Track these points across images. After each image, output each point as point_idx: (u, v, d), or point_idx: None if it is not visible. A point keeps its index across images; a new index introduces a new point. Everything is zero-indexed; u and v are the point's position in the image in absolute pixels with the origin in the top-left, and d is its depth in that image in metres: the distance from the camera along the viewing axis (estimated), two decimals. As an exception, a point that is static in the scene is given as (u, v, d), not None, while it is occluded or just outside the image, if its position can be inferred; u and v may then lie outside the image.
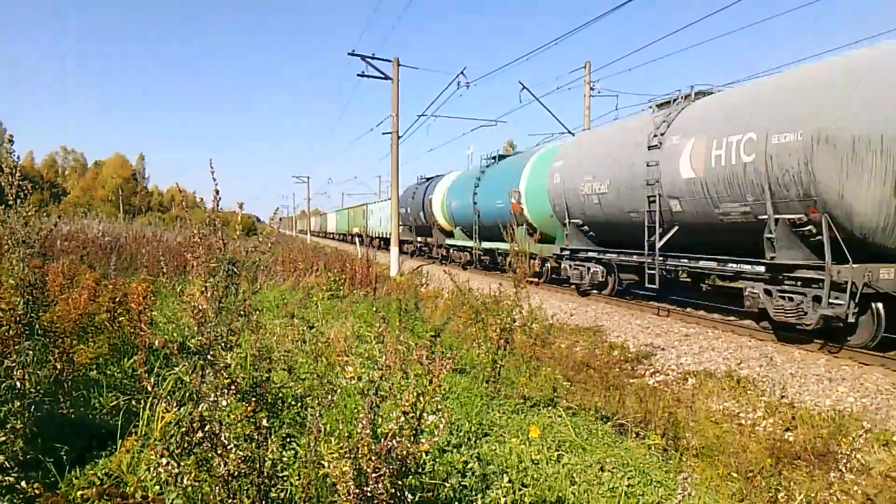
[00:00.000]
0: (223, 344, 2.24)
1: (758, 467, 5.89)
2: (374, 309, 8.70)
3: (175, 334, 6.25)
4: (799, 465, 6.01)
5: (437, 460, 3.68)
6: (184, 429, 2.38)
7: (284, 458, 2.81)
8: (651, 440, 5.62)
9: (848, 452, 5.83)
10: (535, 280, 18.38)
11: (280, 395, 2.37)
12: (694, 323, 12.53)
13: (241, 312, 2.32)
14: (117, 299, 5.14)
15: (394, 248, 23.15)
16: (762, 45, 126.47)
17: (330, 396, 2.72)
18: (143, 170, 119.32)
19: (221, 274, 2.23)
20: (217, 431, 2.40)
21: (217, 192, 2.33)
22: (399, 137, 23.30)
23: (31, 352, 3.16)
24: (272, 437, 2.54)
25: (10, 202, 3.08)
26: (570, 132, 24.71)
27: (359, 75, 22.68)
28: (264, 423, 2.33)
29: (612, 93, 25.13)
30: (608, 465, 4.32)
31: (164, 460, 2.35)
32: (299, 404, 2.43)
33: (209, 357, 2.24)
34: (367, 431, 2.13)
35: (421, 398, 2.31)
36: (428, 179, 31.01)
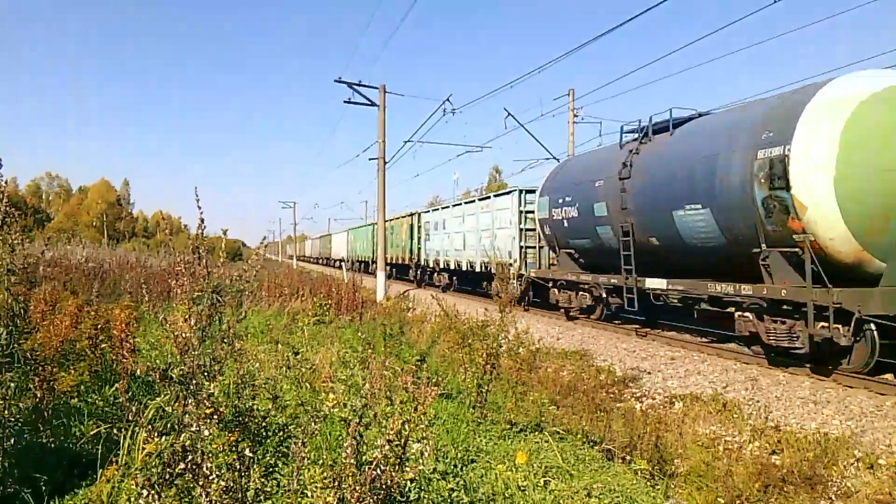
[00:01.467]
0: (206, 373, 2.23)
1: (745, 492, 5.89)
2: (360, 334, 8.66)
3: (158, 361, 6.18)
4: (786, 488, 6.01)
5: (423, 488, 3.65)
6: (165, 459, 2.35)
7: (267, 488, 2.78)
8: (638, 465, 5.60)
9: (838, 480, 5.86)
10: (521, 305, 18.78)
11: (264, 423, 2.35)
12: (680, 346, 12.57)
13: (226, 340, 2.31)
14: (99, 325, 5.09)
15: (380, 273, 23.12)
16: (750, 69, 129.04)
17: (314, 424, 2.70)
18: (128, 195, 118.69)
19: (205, 302, 2.22)
20: (199, 462, 2.38)
21: (202, 220, 2.34)
22: (385, 163, 23.42)
23: (12, 383, 3.12)
24: (255, 466, 2.52)
25: (-3, 228, 3.05)
26: (555, 158, 24.95)
27: (345, 102, 22.86)
28: (247, 452, 2.31)
29: (595, 119, 25.58)
30: (595, 491, 4.30)
31: (144, 491, 2.32)
32: (282, 433, 2.41)
33: (192, 386, 2.23)
34: (351, 460, 2.12)
35: (406, 426, 2.30)
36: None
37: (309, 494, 2.35)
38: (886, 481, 5.71)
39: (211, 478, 2.38)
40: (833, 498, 5.73)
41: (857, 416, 7.55)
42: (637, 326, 14.90)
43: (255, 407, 2.34)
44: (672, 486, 5.27)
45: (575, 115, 25.23)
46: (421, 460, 2.43)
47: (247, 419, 2.31)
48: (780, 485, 6.04)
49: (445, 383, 7.21)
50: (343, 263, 42.93)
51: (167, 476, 2.35)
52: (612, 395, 9.49)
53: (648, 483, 5.18)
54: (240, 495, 2.48)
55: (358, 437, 2.52)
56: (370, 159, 24.79)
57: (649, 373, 10.47)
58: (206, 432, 2.38)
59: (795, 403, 8.29)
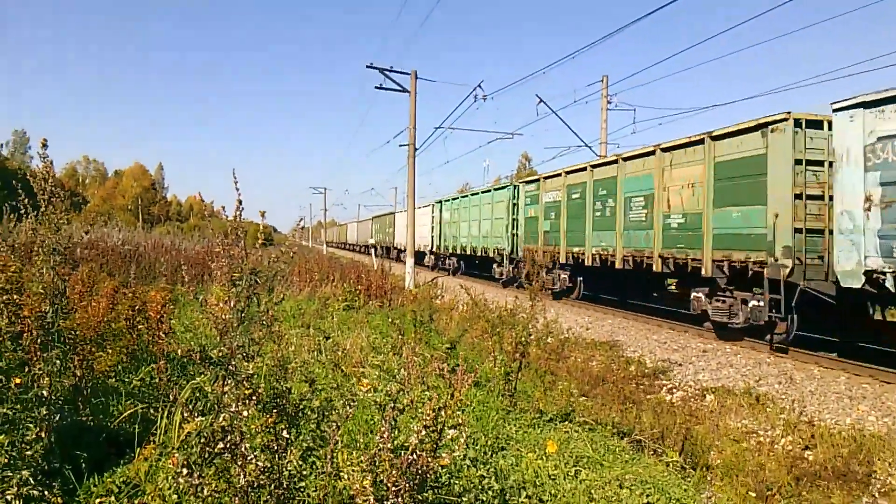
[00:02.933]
0: (245, 354, 2.25)
1: (776, 486, 5.80)
2: (390, 320, 8.69)
3: (193, 343, 6.27)
4: (819, 484, 5.90)
5: (454, 475, 3.65)
6: (204, 439, 2.38)
7: (304, 470, 2.81)
8: (669, 457, 5.54)
9: (883, 477, 5.73)
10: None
11: (301, 406, 2.36)
12: (712, 339, 12.39)
13: (264, 322, 2.33)
14: (136, 307, 5.17)
15: (409, 260, 23.16)
16: (785, 58, 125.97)
17: (348, 408, 2.71)
18: (163, 179, 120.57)
19: (244, 283, 2.23)
20: (238, 442, 2.40)
21: (240, 202, 2.35)
22: (416, 150, 23.39)
23: (57, 360, 3.19)
24: (292, 448, 2.54)
25: (42, 208, 3.11)
26: (587, 146, 24.68)
27: (377, 88, 22.81)
28: (284, 434, 2.33)
29: (629, 107, 25.09)
30: (627, 481, 4.26)
31: (183, 470, 2.35)
32: (318, 416, 2.42)
33: (231, 367, 2.24)
34: (388, 445, 2.12)
35: (442, 412, 2.29)
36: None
37: (345, 477, 2.36)
38: (924, 480, 5.57)
39: (249, 458, 2.40)
40: (876, 496, 5.61)
41: (895, 413, 7.38)
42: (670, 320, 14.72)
43: (291, 389, 2.36)
44: (705, 479, 5.20)
45: (608, 102, 24.87)
46: (456, 446, 2.42)
47: (284, 401, 2.32)
48: (813, 480, 5.94)
49: (473, 370, 7.22)
50: (372, 250, 43.43)
51: (206, 455, 2.39)
52: (642, 387, 9.40)
53: (679, 475, 5.13)
54: (276, 476, 2.50)
55: (393, 422, 2.52)
56: (400, 146, 24.78)
57: (680, 365, 10.34)
58: (245, 413, 2.40)
59: (830, 399, 8.13)
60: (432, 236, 33.93)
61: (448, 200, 31.44)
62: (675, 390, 9.15)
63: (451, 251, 30.15)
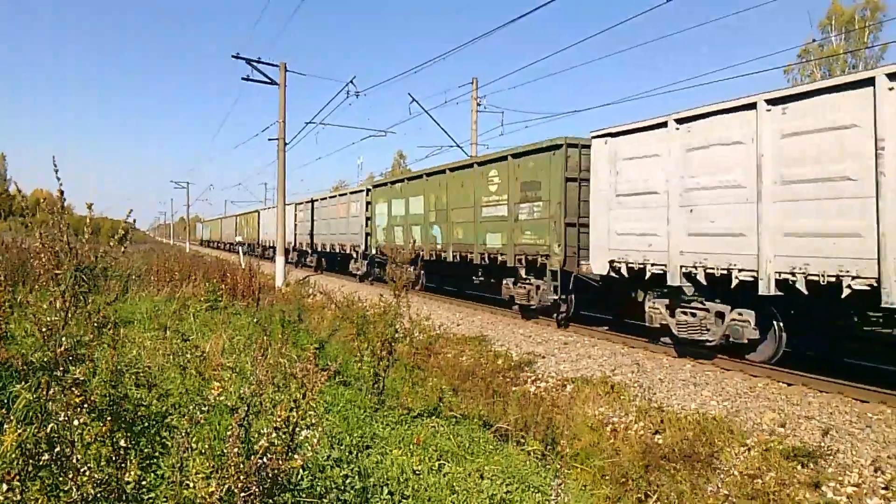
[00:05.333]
0: (73, 358, 2.06)
1: (629, 470, 6.19)
2: (256, 321, 8.39)
3: (34, 349, 5.70)
4: (666, 466, 6.36)
5: (316, 476, 3.58)
6: (28, 451, 2.16)
7: (148, 480, 2.63)
8: (530, 446, 5.76)
9: (717, 458, 6.26)
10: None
11: (139, 412, 2.20)
12: (572, 331, 13.05)
13: (95, 324, 2.14)
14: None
15: (279, 258, 22.52)
16: (650, 64, 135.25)
17: (199, 413, 2.57)
18: (5, 171, 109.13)
19: (68, 281, 2.04)
20: (68, 453, 2.20)
21: (62, 192, 2.13)
22: (286, 144, 22.76)
23: None
24: (132, 457, 2.37)
25: None
26: (458, 146, 25.19)
27: (244, 79, 21.96)
28: (122, 442, 2.16)
29: (498, 109, 25.87)
30: (488, 472, 4.38)
31: (3, 486, 2.12)
32: (160, 422, 2.27)
33: (57, 373, 2.05)
34: (235, 449, 2.02)
35: (294, 412, 2.23)
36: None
37: (192, 485, 2.23)
38: (757, 457, 6.16)
39: (82, 470, 2.21)
40: (707, 474, 6.12)
41: (733, 397, 8.10)
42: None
43: (129, 395, 2.19)
44: (561, 466, 5.45)
45: (478, 104, 25.50)
46: (310, 447, 2.37)
47: (121, 408, 2.16)
48: (661, 463, 6.39)
49: (342, 370, 7.13)
50: (239, 248, 41.97)
51: (30, 469, 2.17)
52: (508, 380, 9.71)
53: (540, 463, 5.34)
54: (116, 487, 2.32)
55: (245, 426, 2.42)
56: (270, 139, 24.04)
57: (544, 357, 10.79)
58: (76, 422, 2.21)
59: (677, 385, 8.79)
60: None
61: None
62: (538, 382, 9.54)
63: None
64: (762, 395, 8.16)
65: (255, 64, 21.73)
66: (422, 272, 19.46)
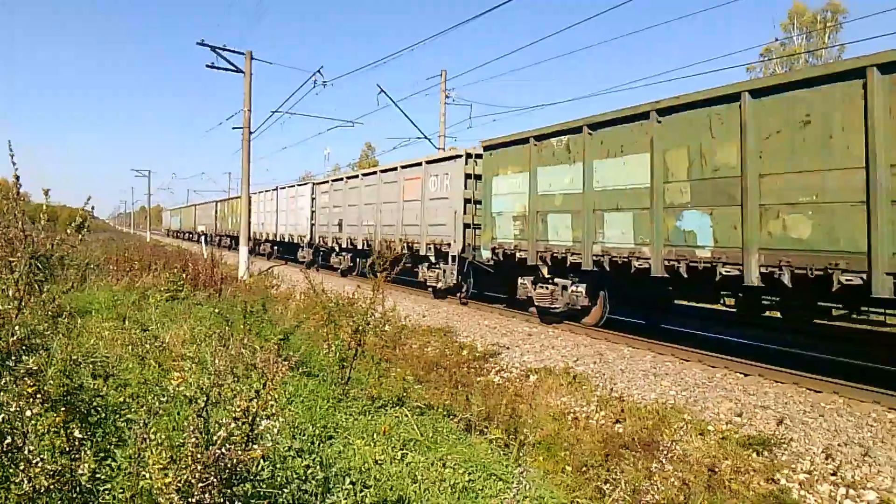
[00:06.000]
0: (26, 347, 2.02)
1: (590, 458, 6.29)
2: (217, 311, 8.28)
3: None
4: (626, 454, 6.49)
5: (278, 466, 3.56)
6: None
7: (104, 472, 2.59)
8: (493, 435, 5.82)
9: (673, 446, 6.40)
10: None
11: (95, 403, 2.17)
12: (537, 323, 13.20)
13: (50, 313, 2.10)
14: None
15: (243, 248, 22.22)
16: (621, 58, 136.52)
17: (157, 404, 2.54)
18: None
19: (22, 268, 1.99)
20: (21, 444, 2.16)
21: (17, 177, 2.08)
22: (251, 133, 22.42)
23: None
24: (87, 448, 2.33)
25: None
26: (426, 137, 25.15)
27: (208, 66, 21.51)
28: (77, 434, 2.13)
29: (466, 102, 25.93)
30: (450, 461, 4.42)
31: (-49, 481, 2.08)
32: (116, 413, 2.24)
33: (9, 362, 2.00)
34: (193, 440, 2.01)
35: (254, 403, 2.22)
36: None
37: (146, 476, 2.21)
38: (714, 446, 6.32)
39: (35, 462, 2.17)
40: (665, 462, 6.26)
41: (692, 387, 8.30)
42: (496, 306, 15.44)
43: (84, 386, 2.16)
44: (523, 455, 5.52)
45: (447, 96, 25.49)
46: (271, 438, 2.36)
47: (76, 398, 2.12)
48: (621, 451, 6.52)
49: (307, 360, 7.09)
50: (202, 237, 41.36)
51: (-22, 462, 2.12)
52: (473, 370, 9.78)
53: (502, 452, 5.41)
54: (71, 479, 2.29)
55: (204, 416, 2.40)
56: (234, 128, 23.64)
57: (508, 348, 10.90)
58: (29, 412, 2.16)
59: (638, 375, 8.97)
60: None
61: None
62: (503, 372, 9.63)
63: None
64: (720, 385, 8.38)
65: (220, 51, 21.31)
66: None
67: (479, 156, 15.33)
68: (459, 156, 15.87)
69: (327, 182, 25.33)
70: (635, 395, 8.14)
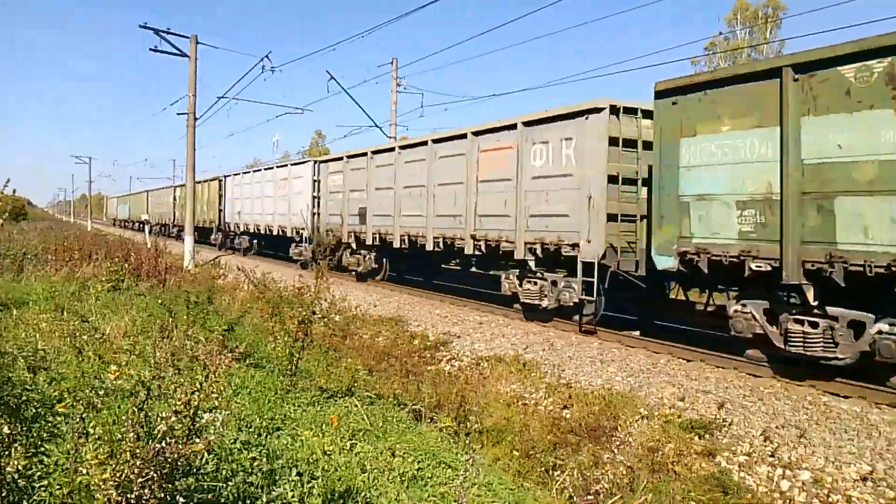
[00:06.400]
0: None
1: (538, 444, 6.40)
2: (160, 302, 8.06)
3: None
4: (573, 439, 6.62)
5: (223, 460, 3.50)
6: None
7: (38, 468, 2.50)
8: (443, 423, 5.86)
9: (620, 432, 6.55)
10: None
11: (25, 397, 2.09)
12: (488, 312, 13.30)
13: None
14: None
15: (188, 238, 21.71)
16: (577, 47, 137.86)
17: (95, 397, 2.46)
18: None
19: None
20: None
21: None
22: (196, 119, 21.84)
23: None
24: (19, 444, 2.24)
25: None
26: (377, 126, 24.96)
27: (152, 50, 20.84)
28: (5, 429, 2.04)
29: (418, 90, 25.81)
30: (399, 450, 4.43)
31: None
32: (47, 407, 2.16)
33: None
34: (131, 434, 1.96)
35: (196, 395, 2.18)
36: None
37: (83, 471, 2.14)
38: (657, 430, 6.50)
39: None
40: (610, 446, 6.42)
41: (637, 373, 8.52)
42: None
43: (14, 378, 2.08)
44: (471, 442, 5.58)
45: (398, 85, 25.33)
46: (215, 431, 2.32)
47: (5, 393, 2.04)
48: (568, 437, 6.65)
49: (254, 352, 6.98)
50: (146, 226, 39.80)
51: None
52: (424, 360, 9.81)
53: (452, 440, 5.44)
54: (1, 477, 2.20)
55: (145, 409, 2.34)
56: (179, 114, 22.99)
57: (459, 337, 10.97)
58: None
59: (585, 362, 9.16)
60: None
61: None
62: (453, 361, 9.69)
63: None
64: (664, 370, 8.62)
65: (164, 35, 20.65)
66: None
67: (632, 110, 10.58)
68: (596, 109, 10.45)
69: (339, 159, 19.91)
70: (583, 381, 8.30)
